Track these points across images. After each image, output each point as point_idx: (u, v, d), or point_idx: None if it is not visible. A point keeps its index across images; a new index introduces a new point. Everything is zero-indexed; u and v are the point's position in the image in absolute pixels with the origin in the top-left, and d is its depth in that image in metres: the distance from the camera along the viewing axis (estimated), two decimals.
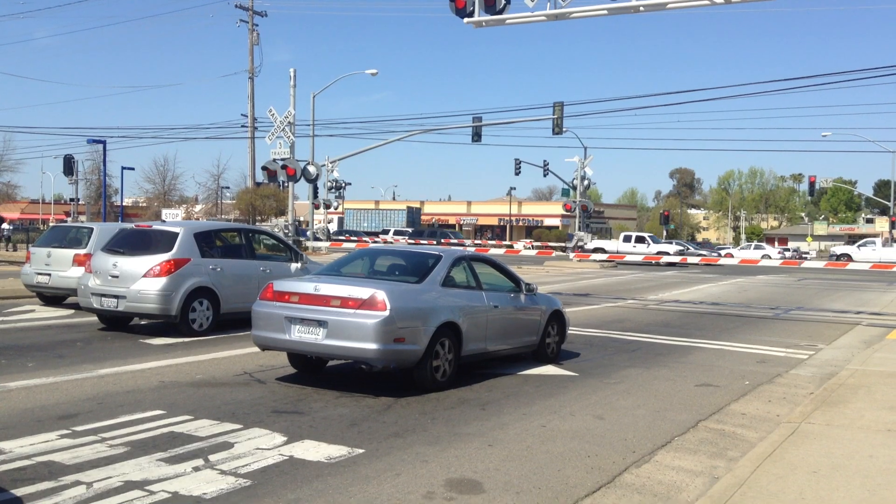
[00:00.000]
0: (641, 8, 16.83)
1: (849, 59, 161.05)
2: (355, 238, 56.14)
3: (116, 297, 12.44)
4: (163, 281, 12.25)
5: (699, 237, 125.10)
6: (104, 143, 41.36)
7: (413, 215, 69.75)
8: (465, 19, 18.00)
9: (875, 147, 65.58)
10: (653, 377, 10.60)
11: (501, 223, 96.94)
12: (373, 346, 8.47)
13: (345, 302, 8.73)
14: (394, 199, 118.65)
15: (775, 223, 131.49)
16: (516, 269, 35.07)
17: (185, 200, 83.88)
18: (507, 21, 18.22)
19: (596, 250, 49.94)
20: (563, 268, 40.01)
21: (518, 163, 61.55)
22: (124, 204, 68.08)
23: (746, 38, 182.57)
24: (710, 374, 11.01)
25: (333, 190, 62.76)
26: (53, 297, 16.33)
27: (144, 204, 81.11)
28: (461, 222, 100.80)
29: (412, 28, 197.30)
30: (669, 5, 16.92)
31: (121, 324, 13.23)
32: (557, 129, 37.35)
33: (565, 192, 68.05)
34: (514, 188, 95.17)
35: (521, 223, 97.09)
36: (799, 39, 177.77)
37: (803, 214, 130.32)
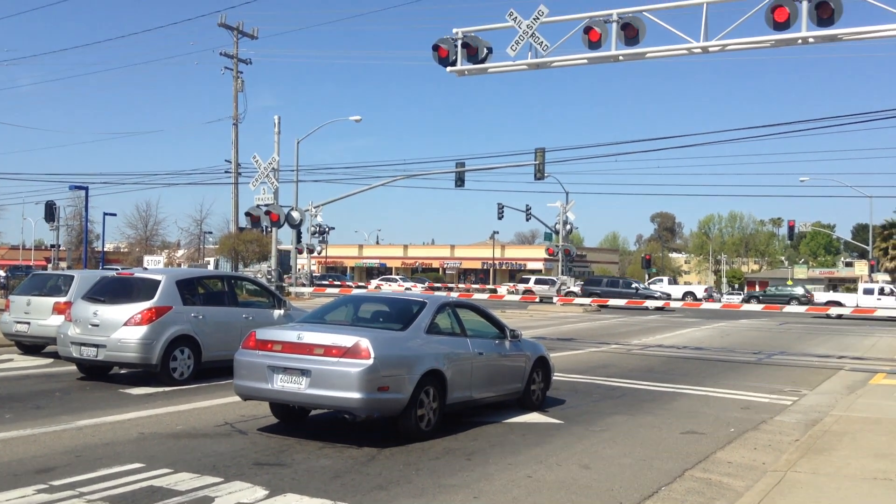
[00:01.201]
0: (621, 57, 17.13)
1: (825, 106, 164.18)
2: (338, 283, 55.96)
3: (96, 346, 12.28)
4: (143, 329, 12.11)
5: (681, 281, 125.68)
6: (86, 189, 41.26)
7: (282, 259, 66.74)
8: (448, 68, 18.25)
9: (853, 192, 66.54)
10: (638, 424, 10.54)
11: (485, 267, 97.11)
12: (356, 395, 8.39)
13: (328, 350, 8.66)
14: (377, 242, 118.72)
15: (756, 267, 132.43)
16: (500, 313, 35.04)
17: (167, 245, 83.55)
18: (490, 70, 18.50)
19: (830, 303, 42.90)
20: (546, 311, 40.03)
21: (501, 207, 61.96)
22: (106, 249, 67.60)
23: (725, 85, 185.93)
24: (695, 421, 10.98)
25: (317, 235, 62.82)
26: (32, 346, 16.10)
27: (126, 249, 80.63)
28: (445, 266, 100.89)
29: (395, 75, 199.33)
30: (648, 55, 17.25)
31: (100, 373, 13.04)
32: (539, 174, 37.72)
33: (548, 236, 68.47)
34: (498, 232, 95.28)
35: (504, 267, 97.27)
36: (776, 86, 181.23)
37: (783, 258, 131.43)
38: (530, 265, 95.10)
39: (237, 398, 10.06)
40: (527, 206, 61.88)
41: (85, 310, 12.70)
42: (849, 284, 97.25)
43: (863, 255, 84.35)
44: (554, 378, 12.27)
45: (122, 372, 13.43)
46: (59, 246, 54.51)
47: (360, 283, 57.34)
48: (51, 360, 14.98)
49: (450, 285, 74.93)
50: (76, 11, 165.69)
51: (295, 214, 28.51)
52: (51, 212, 40.97)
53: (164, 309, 12.39)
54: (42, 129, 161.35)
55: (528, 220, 63.39)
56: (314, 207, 48.47)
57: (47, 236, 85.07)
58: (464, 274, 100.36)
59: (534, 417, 10.76)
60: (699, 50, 16.52)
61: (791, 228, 70.81)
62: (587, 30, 16.69)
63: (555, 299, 31.22)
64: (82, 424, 9.30)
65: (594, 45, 16.74)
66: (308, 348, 8.76)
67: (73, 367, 13.43)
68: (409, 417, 8.84)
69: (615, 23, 16.55)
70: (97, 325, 12.39)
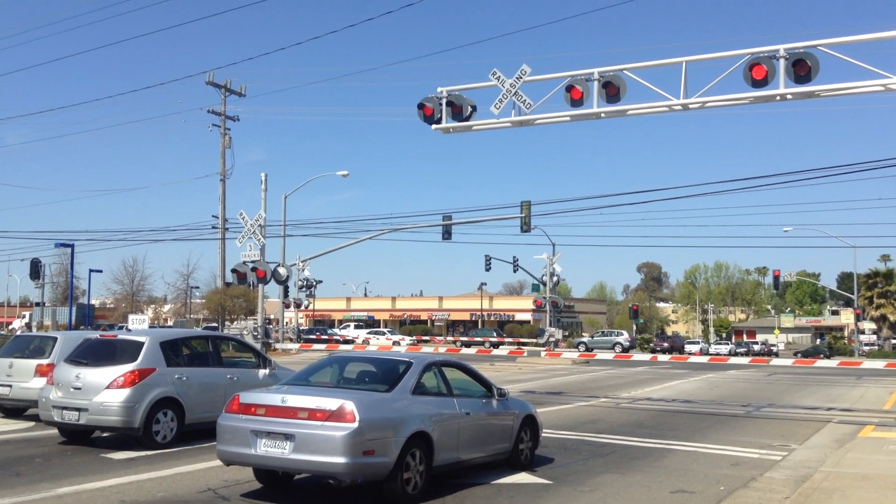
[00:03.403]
0: (603, 114, 17.37)
1: (808, 158, 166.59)
2: (325, 338, 55.67)
3: (78, 409, 12.09)
4: (126, 392, 11.95)
5: (668, 330, 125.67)
6: (72, 246, 41.13)
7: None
8: (433, 126, 18.44)
9: (837, 242, 67.25)
10: (627, 484, 10.44)
11: (473, 318, 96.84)
12: (341, 459, 8.28)
13: (312, 414, 8.57)
14: (365, 295, 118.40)
15: (742, 316, 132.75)
16: (489, 366, 34.84)
17: (153, 300, 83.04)
18: (474, 128, 18.70)
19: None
20: (535, 364, 39.84)
21: (488, 259, 62.24)
22: (91, 304, 67.04)
23: (709, 138, 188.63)
24: (684, 479, 10.88)
25: (304, 289, 62.64)
26: (14, 409, 15.84)
27: (112, 305, 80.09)
28: (433, 317, 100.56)
29: (383, 130, 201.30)
30: (629, 112, 17.51)
31: (82, 437, 12.82)
32: (525, 227, 37.81)
33: (535, 288, 68.50)
34: (485, 283, 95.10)
35: (492, 318, 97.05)
36: (759, 138, 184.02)
37: (770, 307, 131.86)
38: (518, 316, 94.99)
39: (220, 461, 9.92)
40: (514, 257, 62.28)
41: (67, 373, 12.54)
42: (835, 332, 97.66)
43: (848, 303, 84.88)
44: (543, 435, 12.17)
45: (105, 435, 13.22)
46: (45, 303, 54.16)
47: (348, 338, 56.94)
48: (32, 424, 14.72)
49: (438, 337, 74.69)
50: (65, 70, 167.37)
51: (281, 270, 28.43)
52: (36, 269, 40.74)
53: (148, 371, 12.25)
54: (28, 186, 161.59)
55: (515, 271, 63.81)
56: (301, 261, 48.24)
57: (33, 293, 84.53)
58: (452, 325, 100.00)
59: (522, 478, 10.64)
60: (679, 107, 16.79)
61: (776, 278, 71.26)
62: (569, 88, 16.95)
63: (542, 353, 31.01)
64: (62, 493, 9.12)
65: (576, 102, 16.99)
66: (292, 412, 8.67)
67: (55, 431, 13.21)
68: (394, 481, 8.73)
69: (596, 81, 16.83)
70: (79, 388, 12.22)
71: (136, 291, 74.72)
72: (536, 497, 9.51)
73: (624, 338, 67.48)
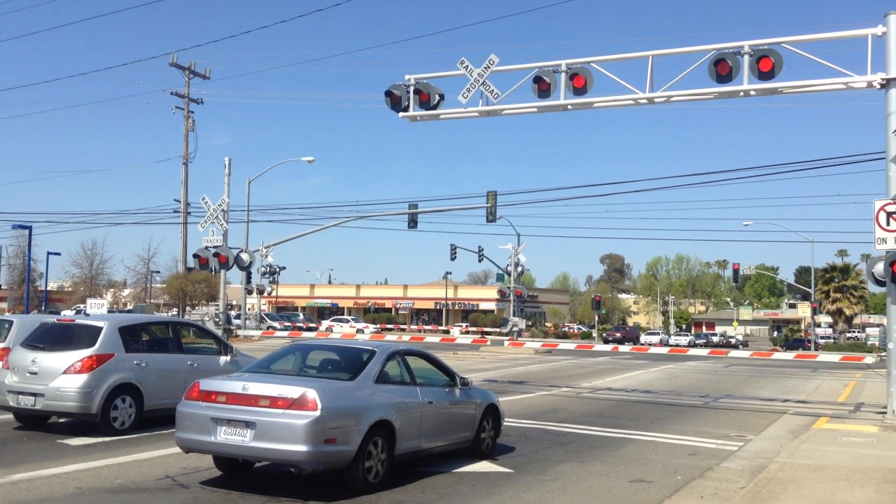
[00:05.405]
0: (569, 106, 17.47)
1: (768, 154, 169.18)
2: (289, 325, 55.36)
3: (34, 394, 11.88)
4: (84, 378, 11.76)
5: (630, 321, 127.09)
6: (30, 228, 40.32)
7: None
8: (401, 114, 18.39)
9: (795, 236, 68.43)
10: (587, 473, 10.55)
11: (438, 307, 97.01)
12: (302, 448, 8.24)
13: (274, 402, 8.51)
14: (329, 282, 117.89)
15: (703, 308, 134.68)
16: (452, 355, 34.93)
17: (113, 284, 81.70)
18: (441, 116, 18.69)
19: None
20: (498, 353, 40.04)
21: (453, 248, 62.30)
22: (49, 289, 65.81)
23: (672, 132, 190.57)
24: (643, 468, 11.02)
25: (267, 275, 62.16)
26: None
27: (70, 289, 78.67)
28: (397, 306, 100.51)
29: (349, 116, 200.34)
30: (596, 104, 17.62)
31: (39, 422, 12.61)
32: (491, 216, 37.99)
33: (500, 277, 68.89)
34: (450, 272, 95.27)
35: (457, 307, 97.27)
36: (721, 134, 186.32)
37: (729, 300, 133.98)
38: (483, 305, 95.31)
39: (179, 448, 9.81)
40: (479, 247, 62.48)
41: (23, 357, 12.31)
42: (793, 325, 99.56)
43: (806, 297, 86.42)
44: (504, 424, 12.24)
45: (61, 421, 13.01)
46: (1, 286, 53.07)
47: (312, 325, 56.67)
48: None
49: (402, 326, 74.79)
50: (24, 49, 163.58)
51: (244, 256, 28.15)
52: None
53: (106, 356, 12.07)
54: None
55: (480, 261, 64.00)
56: (265, 248, 47.97)
57: None
58: (416, 314, 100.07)
59: (484, 466, 10.70)
60: (645, 100, 16.94)
61: (736, 271, 72.35)
62: (537, 79, 17.01)
63: (505, 342, 31.15)
64: (17, 479, 8.96)
65: (544, 94, 17.05)
66: (253, 399, 8.60)
67: (10, 416, 12.98)
68: (356, 470, 8.71)
69: (564, 73, 16.91)
70: (35, 373, 12.01)
71: (96, 275, 73.38)
72: (497, 485, 9.57)
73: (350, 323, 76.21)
